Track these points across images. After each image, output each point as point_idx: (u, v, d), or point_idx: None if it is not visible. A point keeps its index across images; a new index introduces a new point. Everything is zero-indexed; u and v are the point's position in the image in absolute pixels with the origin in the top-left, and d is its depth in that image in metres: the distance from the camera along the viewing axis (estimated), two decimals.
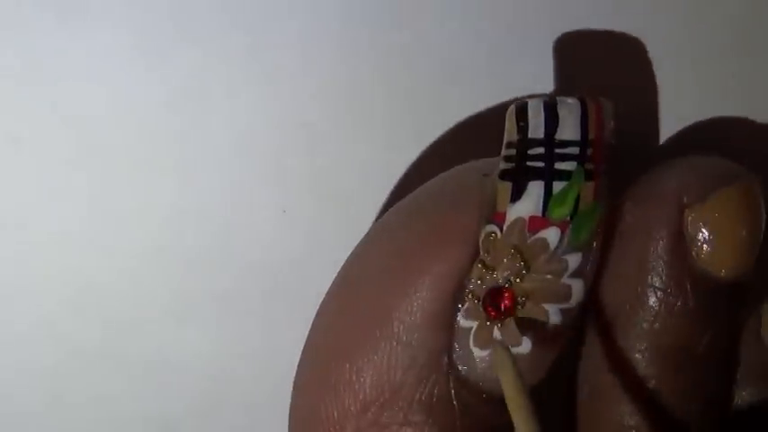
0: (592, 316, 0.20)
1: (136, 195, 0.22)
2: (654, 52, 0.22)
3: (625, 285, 0.20)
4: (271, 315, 0.23)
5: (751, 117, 0.22)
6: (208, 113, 0.22)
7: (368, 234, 0.20)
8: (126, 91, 0.22)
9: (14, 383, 0.23)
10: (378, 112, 0.22)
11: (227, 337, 0.23)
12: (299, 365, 0.20)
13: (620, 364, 0.20)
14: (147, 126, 0.22)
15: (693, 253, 0.19)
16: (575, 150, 0.18)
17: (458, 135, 0.22)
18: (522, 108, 0.19)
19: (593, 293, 0.20)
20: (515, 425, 0.17)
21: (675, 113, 0.22)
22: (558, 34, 0.22)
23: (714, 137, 0.22)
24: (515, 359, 0.18)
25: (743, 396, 0.21)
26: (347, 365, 0.19)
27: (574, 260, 0.19)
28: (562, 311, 0.19)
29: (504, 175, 0.19)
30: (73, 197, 0.22)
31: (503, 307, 0.19)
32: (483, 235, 0.19)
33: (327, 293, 0.20)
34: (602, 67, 0.22)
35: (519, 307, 0.19)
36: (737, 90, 0.22)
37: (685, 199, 0.19)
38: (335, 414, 0.19)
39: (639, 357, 0.19)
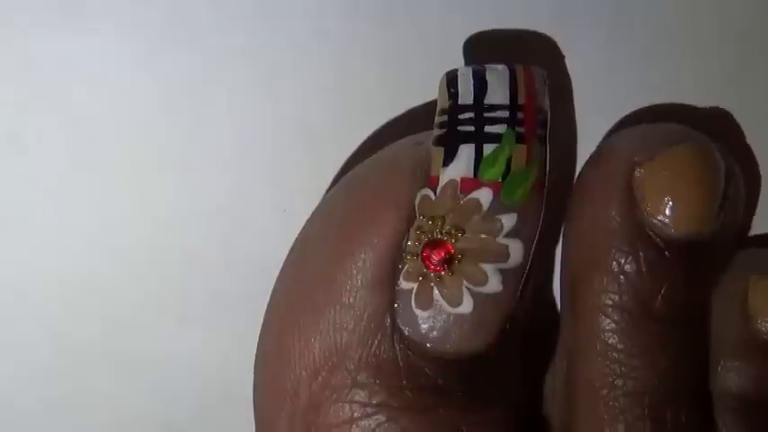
0: (563, 283, 0.21)
1: (135, 195, 0.22)
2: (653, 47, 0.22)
3: (585, 245, 0.20)
4: None
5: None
6: (208, 113, 0.22)
7: (315, 209, 0.21)
8: (125, 91, 0.22)
9: (14, 384, 0.23)
10: (378, 112, 0.22)
11: (227, 337, 0.23)
12: (257, 344, 0.21)
13: (588, 324, 0.20)
14: (146, 126, 0.22)
15: (643, 210, 0.19)
16: (504, 114, 0.19)
17: None
18: (452, 76, 0.19)
19: (562, 257, 0.21)
20: None
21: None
22: (558, 34, 0.22)
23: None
24: None
25: (728, 370, 0.20)
26: (296, 333, 0.20)
27: (508, 220, 0.19)
28: (501, 272, 0.19)
29: (437, 142, 0.19)
30: (72, 197, 0.22)
31: (439, 257, 0.19)
32: (418, 199, 0.19)
33: (280, 270, 0.21)
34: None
35: (456, 262, 0.19)
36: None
37: (636, 158, 0.19)
38: (289, 383, 0.20)
39: (603, 315, 0.20)
